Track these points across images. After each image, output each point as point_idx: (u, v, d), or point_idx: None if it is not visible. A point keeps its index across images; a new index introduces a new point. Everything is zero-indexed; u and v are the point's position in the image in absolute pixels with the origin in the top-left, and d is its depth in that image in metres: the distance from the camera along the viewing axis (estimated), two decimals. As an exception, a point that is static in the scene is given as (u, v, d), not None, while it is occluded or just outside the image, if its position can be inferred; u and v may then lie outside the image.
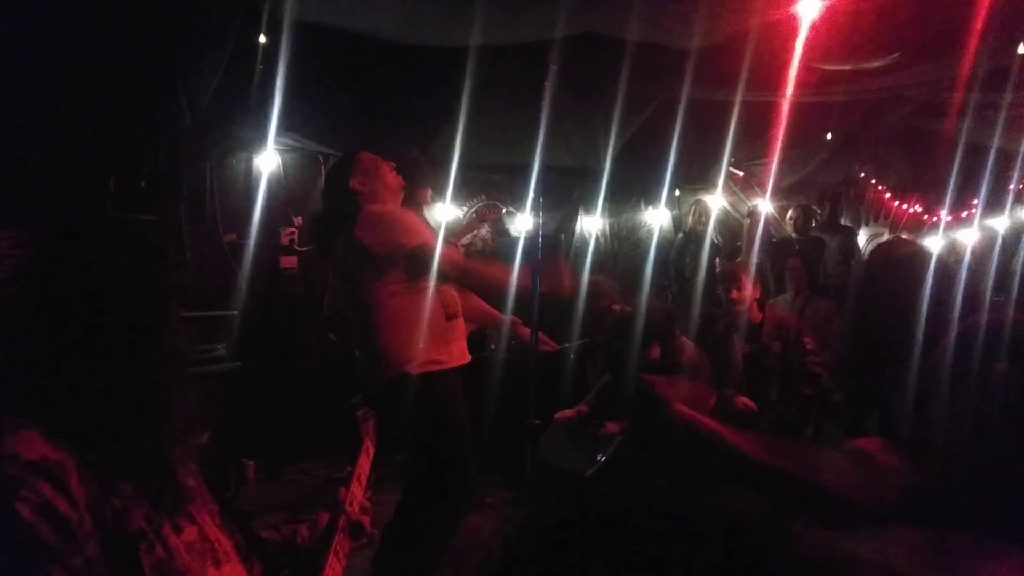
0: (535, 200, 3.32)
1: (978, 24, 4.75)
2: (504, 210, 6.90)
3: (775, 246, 7.48)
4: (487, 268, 3.69)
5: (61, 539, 1.23)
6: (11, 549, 1.23)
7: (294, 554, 1.77)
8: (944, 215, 9.34)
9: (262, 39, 4.78)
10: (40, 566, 1.22)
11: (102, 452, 1.33)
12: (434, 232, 3.51)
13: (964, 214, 9.65)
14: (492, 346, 5.61)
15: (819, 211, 8.19)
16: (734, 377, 4.76)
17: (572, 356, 5.43)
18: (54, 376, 1.34)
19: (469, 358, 3.57)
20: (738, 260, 7.32)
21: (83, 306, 1.36)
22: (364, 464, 1.99)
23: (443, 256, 3.35)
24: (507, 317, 3.92)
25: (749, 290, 4.85)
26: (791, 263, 6.08)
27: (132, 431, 1.38)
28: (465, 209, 6.92)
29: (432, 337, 3.38)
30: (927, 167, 7.94)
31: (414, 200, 4.29)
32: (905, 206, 9.54)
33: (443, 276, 3.38)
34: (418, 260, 3.34)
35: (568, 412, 4.99)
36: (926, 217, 9.85)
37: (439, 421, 3.37)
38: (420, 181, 4.18)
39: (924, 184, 8.84)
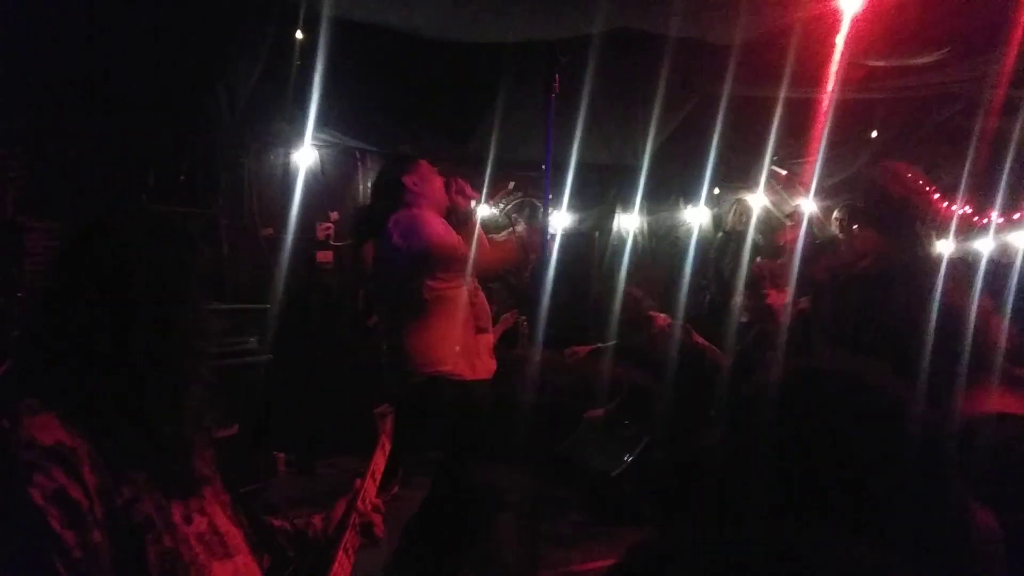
0: (547, 192, 3.33)
1: (1030, 16, 4.61)
2: (538, 207, 6.86)
3: (819, 247, 7.34)
4: (494, 255, 3.73)
5: (70, 526, 1.24)
6: (21, 534, 1.23)
7: (304, 547, 1.76)
8: (995, 217, 9.09)
9: (299, 36, 4.81)
10: (47, 552, 1.22)
11: (117, 438, 1.33)
12: (463, 237, 3.53)
13: (1016, 216, 9.38)
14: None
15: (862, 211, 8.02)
16: None
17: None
18: (74, 359, 1.35)
19: (493, 370, 3.61)
20: (778, 261, 7.19)
21: (106, 290, 1.37)
22: (379, 462, 1.98)
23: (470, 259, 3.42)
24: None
25: (784, 296, 4.63)
26: (823, 262, 5.93)
27: (149, 417, 1.38)
28: (501, 206, 6.89)
29: (460, 346, 3.42)
30: (977, 167, 7.72)
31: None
32: (954, 207, 9.29)
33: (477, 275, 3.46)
34: (446, 263, 3.40)
35: (597, 412, 4.96)
36: (976, 219, 9.60)
37: (458, 430, 3.40)
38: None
39: (974, 184, 8.61)
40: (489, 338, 3.64)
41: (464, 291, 3.44)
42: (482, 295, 3.63)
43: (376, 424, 2.07)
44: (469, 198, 3.77)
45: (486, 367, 3.54)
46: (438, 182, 3.65)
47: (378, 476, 1.93)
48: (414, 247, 3.39)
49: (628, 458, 4.42)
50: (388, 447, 2.04)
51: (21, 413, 1.28)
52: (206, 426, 1.49)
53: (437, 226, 3.45)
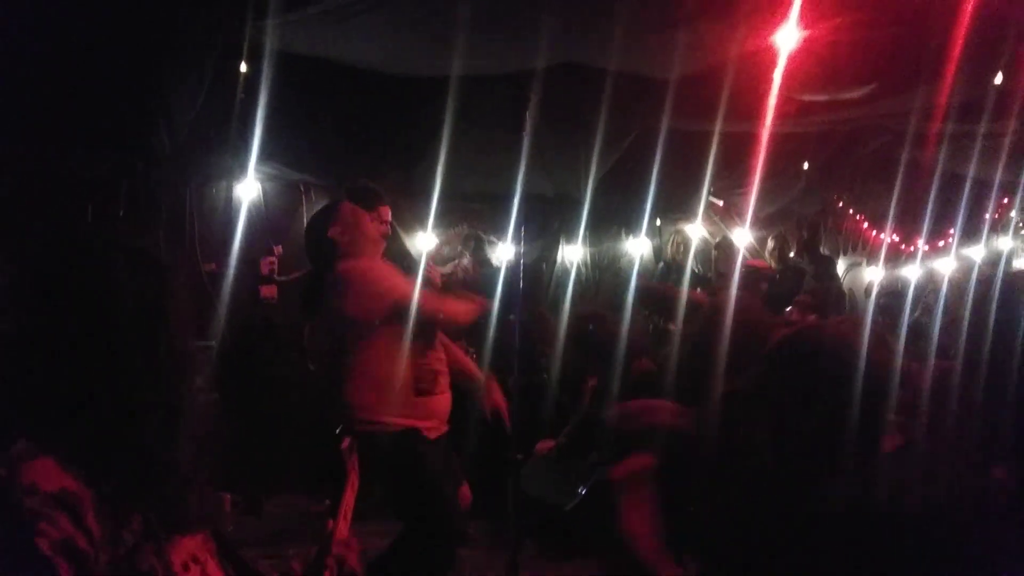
0: (516, 229, 3.31)
1: (954, 55, 4.81)
2: (484, 239, 6.88)
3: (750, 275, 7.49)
4: (461, 307, 3.66)
5: None
6: None
7: None
8: (921, 244, 9.42)
9: (243, 67, 4.76)
10: None
11: (116, 480, 1.28)
12: (409, 282, 3.49)
13: (941, 243, 9.73)
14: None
15: (798, 240, 8.24)
16: None
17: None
18: (65, 400, 1.28)
19: (443, 431, 3.55)
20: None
21: (87, 323, 1.32)
22: (349, 499, 1.95)
23: (420, 306, 3.35)
24: (483, 378, 3.92)
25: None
26: (800, 299, 6.07)
27: (146, 456, 1.32)
28: (443, 239, 6.90)
29: (399, 403, 3.37)
30: (904, 196, 8.01)
31: (379, 218, 4.35)
32: (883, 235, 9.60)
33: (422, 325, 3.38)
34: (393, 317, 3.34)
35: (548, 444, 4.95)
36: (904, 246, 9.93)
37: (399, 481, 3.39)
38: (376, 203, 4.23)
39: (901, 213, 8.92)
40: (437, 401, 3.54)
41: (402, 350, 3.37)
42: (435, 357, 3.55)
43: (343, 460, 2.03)
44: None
45: (433, 427, 3.49)
46: (365, 219, 3.61)
47: (349, 515, 1.89)
48: (349, 307, 3.37)
49: (582, 491, 4.40)
50: (356, 484, 2.00)
51: (18, 458, 1.22)
52: (194, 462, 1.44)
53: (370, 282, 3.39)
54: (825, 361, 1.73)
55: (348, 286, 3.38)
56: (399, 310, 3.33)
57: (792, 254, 7.97)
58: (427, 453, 3.41)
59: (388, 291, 3.40)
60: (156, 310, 1.39)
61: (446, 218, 6.83)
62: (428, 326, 3.49)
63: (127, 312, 1.35)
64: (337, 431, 3.22)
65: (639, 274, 7.62)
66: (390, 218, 5.03)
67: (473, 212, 7.02)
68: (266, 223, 5.92)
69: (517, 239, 3.08)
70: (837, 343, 1.76)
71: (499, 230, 6.97)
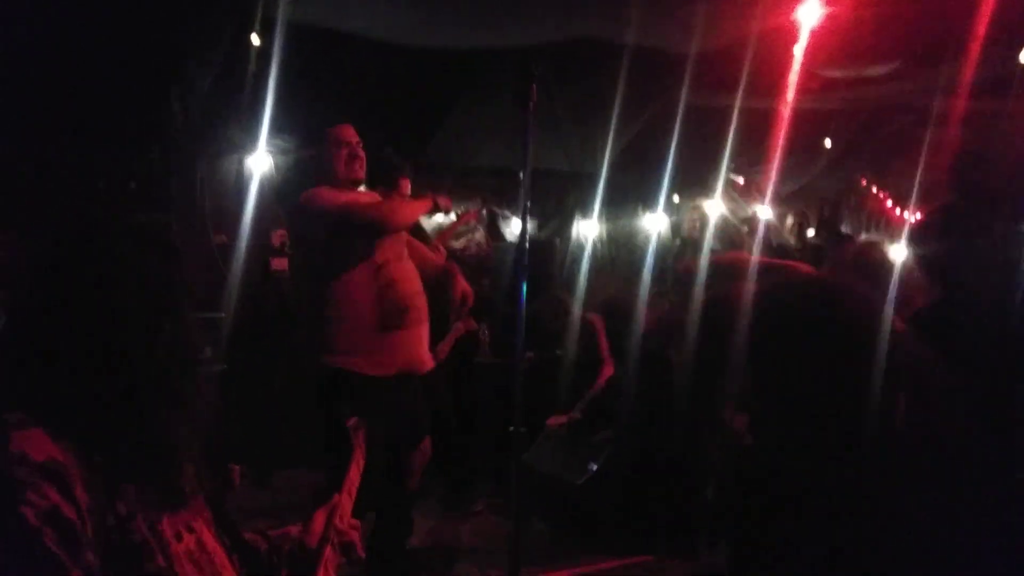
0: (526, 205, 3.23)
1: (979, 31, 4.71)
2: (487, 212, 6.85)
3: (775, 253, 7.42)
4: (402, 208, 3.59)
5: (64, 547, 1.18)
6: (15, 556, 1.17)
7: (279, 566, 1.71)
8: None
9: (255, 41, 4.73)
10: (43, 574, 1.16)
11: (107, 453, 1.29)
12: (349, 197, 3.39)
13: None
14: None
15: (819, 218, 8.15)
16: None
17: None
18: (62, 372, 1.29)
19: (398, 370, 3.38)
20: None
21: (94, 301, 1.32)
22: (355, 476, 1.94)
23: (367, 208, 3.32)
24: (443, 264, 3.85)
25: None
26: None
27: (140, 430, 1.33)
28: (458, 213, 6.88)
29: (360, 336, 3.27)
30: (928, 174, 7.88)
31: (398, 193, 4.42)
32: (906, 214, 9.47)
33: (374, 230, 3.29)
34: (344, 225, 3.23)
35: (560, 419, 4.94)
36: (927, 225, 9.79)
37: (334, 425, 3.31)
38: (397, 174, 4.23)
39: (924, 192, 8.78)
40: (403, 336, 3.36)
41: (360, 277, 3.27)
42: (401, 292, 3.39)
43: (349, 437, 2.02)
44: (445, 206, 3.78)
45: (392, 363, 3.33)
46: (339, 154, 3.50)
47: (354, 491, 1.89)
48: (300, 227, 3.41)
49: (593, 466, 4.40)
50: (363, 461, 2.00)
51: (8, 427, 1.22)
52: (191, 438, 1.44)
53: (311, 197, 3.28)
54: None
55: (298, 209, 3.32)
56: (335, 219, 3.23)
57: (811, 232, 7.88)
58: (362, 392, 3.26)
59: (326, 195, 3.30)
60: (156, 286, 1.39)
61: (460, 193, 6.80)
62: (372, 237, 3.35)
63: (126, 288, 1.35)
64: (345, 409, 3.19)
65: (677, 258, 7.50)
66: (409, 191, 5.01)
67: (488, 187, 6.98)
68: (277, 196, 5.90)
69: (525, 215, 2.99)
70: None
71: (514, 205, 6.93)
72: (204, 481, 1.49)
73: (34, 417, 1.25)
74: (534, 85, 2.78)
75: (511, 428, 2.91)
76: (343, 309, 3.28)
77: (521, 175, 2.80)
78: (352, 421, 2.04)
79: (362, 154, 3.54)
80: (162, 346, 1.36)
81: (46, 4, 4.18)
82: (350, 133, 3.58)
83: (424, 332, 3.48)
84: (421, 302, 3.44)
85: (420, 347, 3.47)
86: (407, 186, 4.71)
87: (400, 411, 3.41)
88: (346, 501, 1.83)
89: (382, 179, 4.05)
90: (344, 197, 3.33)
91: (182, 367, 1.40)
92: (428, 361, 3.52)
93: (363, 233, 3.30)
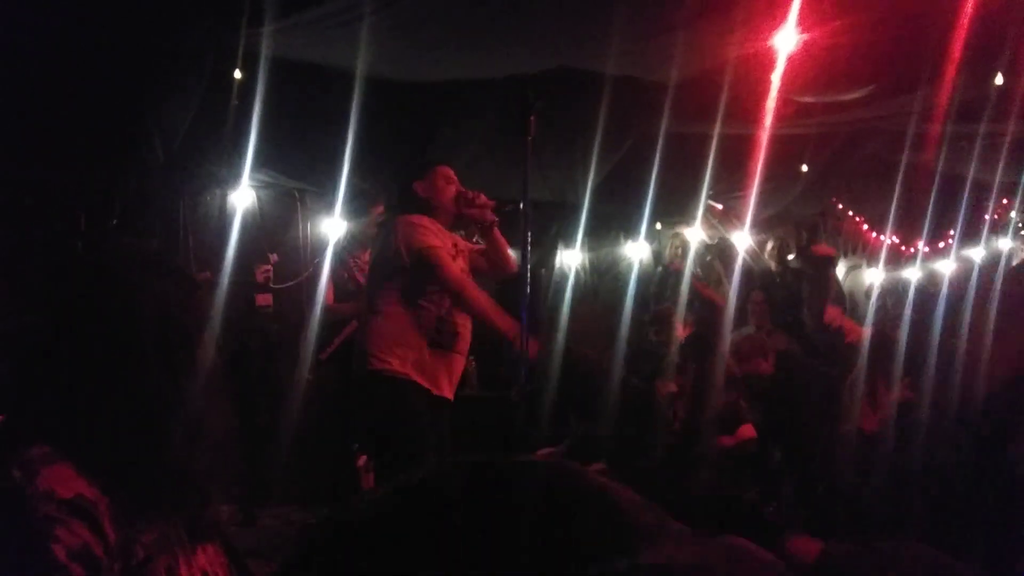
0: (527, 235, 3.33)
1: (954, 55, 4.79)
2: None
3: (756, 278, 7.47)
4: (480, 296, 3.68)
5: None
6: None
7: None
8: (921, 246, 9.39)
9: (237, 75, 4.72)
10: None
11: (132, 488, 1.26)
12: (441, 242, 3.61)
13: (941, 244, 9.71)
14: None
15: (797, 243, 8.21)
16: None
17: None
18: (84, 404, 1.27)
19: (445, 394, 3.59)
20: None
21: (113, 330, 1.31)
22: None
23: (446, 266, 3.50)
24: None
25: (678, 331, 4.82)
26: (753, 296, 6.08)
27: (163, 462, 1.31)
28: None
29: (409, 351, 3.47)
30: (903, 198, 7.98)
31: (373, 219, 4.90)
32: (882, 237, 9.57)
33: (442, 285, 3.50)
34: (423, 262, 3.46)
35: (548, 450, 4.91)
36: (903, 248, 9.90)
37: (392, 430, 3.47)
38: (370, 202, 4.75)
39: (900, 215, 8.90)
40: (451, 360, 3.61)
41: (428, 302, 3.51)
42: (458, 322, 3.60)
43: (359, 477, 2.00)
44: (483, 207, 3.80)
45: (435, 382, 3.56)
46: (449, 191, 3.73)
47: None
48: (392, 250, 3.51)
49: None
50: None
51: (35, 463, 1.19)
52: (212, 471, 1.41)
53: (423, 235, 3.50)
54: None
55: (402, 230, 3.54)
56: (432, 252, 3.46)
57: (791, 256, 7.94)
58: (422, 407, 3.47)
59: (431, 229, 3.56)
60: (174, 314, 1.38)
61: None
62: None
63: (146, 316, 1.34)
64: (353, 448, 3.25)
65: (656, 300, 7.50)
66: (383, 216, 5.08)
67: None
68: (261, 231, 5.87)
69: (525, 245, 3.07)
70: None
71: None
72: (218, 519, 1.46)
73: (58, 451, 1.22)
74: (533, 116, 2.82)
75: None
76: (400, 322, 3.50)
77: (521, 205, 2.83)
78: (361, 461, 2.01)
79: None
80: (182, 375, 1.34)
81: (29, 41, 4.15)
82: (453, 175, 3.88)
83: (462, 362, 3.72)
84: (467, 332, 3.66)
85: (457, 374, 3.70)
86: (380, 211, 4.87)
87: (431, 430, 3.53)
88: None
89: (356, 207, 4.52)
90: (442, 249, 3.55)
91: (200, 399, 1.38)
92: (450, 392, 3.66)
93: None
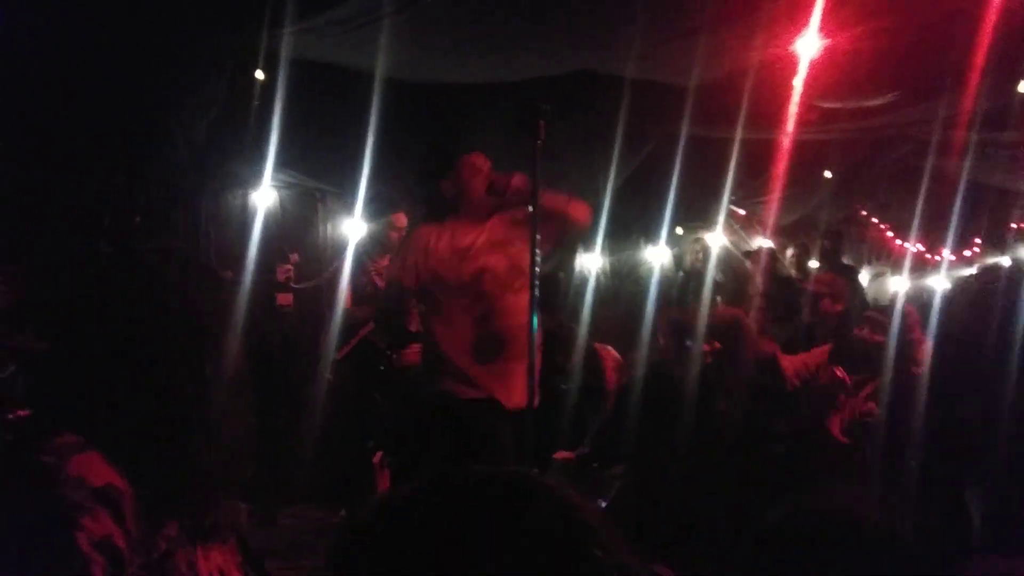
0: (535, 238, 3.21)
1: (978, 62, 4.74)
2: None
3: (775, 284, 7.42)
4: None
5: None
6: None
7: None
8: (947, 253, 9.30)
9: (259, 75, 4.76)
10: None
11: (155, 481, 1.28)
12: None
13: (967, 252, 9.61)
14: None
15: (820, 249, 8.15)
16: None
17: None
18: (111, 398, 1.29)
19: (507, 404, 3.44)
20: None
21: (143, 329, 1.33)
22: None
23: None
24: None
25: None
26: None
27: (185, 460, 1.33)
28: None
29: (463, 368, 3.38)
30: (928, 205, 7.91)
31: (393, 225, 4.93)
32: (907, 245, 9.49)
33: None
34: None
35: (567, 453, 4.89)
36: (928, 255, 9.81)
37: (449, 449, 3.35)
38: (392, 209, 4.71)
39: (925, 223, 8.81)
40: (505, 367, 3.46)
41: (452, 318, 3.43)
42: (502, 324, 3.43)
43: (375, 474, 2.01)
44: (518, 191, 3.49)
45: (489, 388, 3.43)
46: (478, 183, 3.58)
47: None
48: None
49: (602, 503, 4.34)
50: None
51: (66, 450, 1.21)
52: (229, 469, 1.43)
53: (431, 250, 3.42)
54: None
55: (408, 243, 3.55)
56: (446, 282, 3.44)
57: (813, 263, 7.88)
58: (477, 420, 3.37)
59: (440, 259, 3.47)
60: (206, 318, 1.41)
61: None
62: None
63: (178, 319, 1.36)
64: (369, 445, 3.23)
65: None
66: (404, 223, 5.09)
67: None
68: (282, 230, 5.90)
69: (534, 249, 2.98)
70: None
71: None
72: (236, 517, 1.48)
73: (89, 440, 1.24)
74: (542, 121, 2.81)
75: (556, 466, 2.92)
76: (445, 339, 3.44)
77: (530, 208, 2.82)
78: (376, 458, 2.02)
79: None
80: (205, 372, 1.36)
81: (52, 41, 4.21)
82: (484, 160, 3.68)
83: (522, 368, 3.31)
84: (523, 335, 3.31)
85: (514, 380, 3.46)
86: (402, 219, 4.82)
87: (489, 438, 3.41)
88: None
89: (375, 209, 4.18)
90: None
91: (220, 398, 1.40)
92: (519, 398, 3.40)
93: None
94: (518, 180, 3.48)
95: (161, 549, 1.26)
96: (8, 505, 1.19)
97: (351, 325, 5.09)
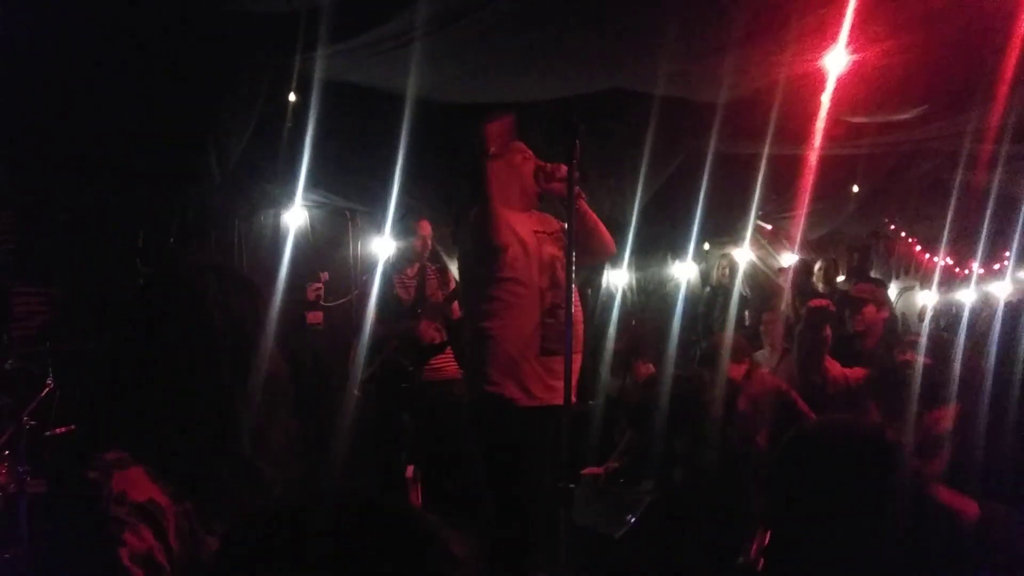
0: (571, 256, 3.13)
1: (1007, 75, 4.72)
2: None
3: (807, 298, 7.38)
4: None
5: None
6: None
7: None
8: (976, 267, 9.22)
9: (292, 97, 4.82)
10: None
11: (199, 496, 1.30)
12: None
13: (996, 266, 9.52)
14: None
15: (848, 264, 8.12)
16: None
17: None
18: (160, 414, 1.31)
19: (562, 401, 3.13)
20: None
21: (190, 343, 1.35)
22: None
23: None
24: None
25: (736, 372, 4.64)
26: (766, 317, 5.88)
27: (231, 472, 1.34)
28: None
29: (517, 367, 3.18)
30: (957, 219, 7.85)
31: (416, 234, 4.86)
32: (936, 259, 9.42)
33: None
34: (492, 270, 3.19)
35: (596, 469, 4.89)
36: (957, 270, 9.73)
37: (491, 458, 3.22)
38: (415, 217, 4.64)
39: (955, 236, 8.75)
40: (559, 361, 3.11)
41: (524, 306, 3.19)
42: (563, 314, 3.08)
43: (407, 489, 2.02)
44: (563, 180, 3.28)
45: (547, 393, 3.20)
46: (526, 168, 3.41)
47: None
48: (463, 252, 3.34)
49: (631, 519, 4.33)
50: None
51: (111, 466, 1.23)
52: (274, 483, 1.44)
53: (488, 229, 3.17)
54: None
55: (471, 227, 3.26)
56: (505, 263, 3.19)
57: (841, 278, 7.84)
58: (531, 428, 3.16)
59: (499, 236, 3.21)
60: (250, 331, 1.41)
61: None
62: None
63: (224, 332, 1.37)
64: (402, 458, 3.17)
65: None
66: (429, 231, 5.09)
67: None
68: (312, 249, 5.96)
69: (570, 267, 2.93)
70: None
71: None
72: None
73: (134, 456, 1.26)
74: (577, 140, 2.79)
75: (559, 483, 2.88)
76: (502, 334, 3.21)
77: (566, 226, 2.82)
78: (409, 472, 2.04)
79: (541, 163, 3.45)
80: (250, 383, 1.38)
81: (91, 66, 4.29)
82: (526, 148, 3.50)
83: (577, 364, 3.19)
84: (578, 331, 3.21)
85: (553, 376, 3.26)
86: (427, 227, 4.83)
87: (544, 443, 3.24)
88: None
89: (404, 227, 4.54)
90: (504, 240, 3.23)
91: (273, 404, 1.41)
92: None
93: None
94: (566, 171, 3.20)
95: (203, 565, 1.27)
96: (54, 521, 1.22)
97: (376, 342, 5.10)
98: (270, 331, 1.46)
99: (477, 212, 3.25)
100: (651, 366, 5.75)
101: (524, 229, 3.33)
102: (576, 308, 3.20)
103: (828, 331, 4.41)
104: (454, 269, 5.42)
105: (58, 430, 3.82)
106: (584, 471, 4.93)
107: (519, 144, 3.50)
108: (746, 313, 7.35)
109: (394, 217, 5.42)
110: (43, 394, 3.84)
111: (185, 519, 1.27)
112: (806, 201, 6.87)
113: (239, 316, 1.40)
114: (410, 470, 1.94)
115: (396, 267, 5.45)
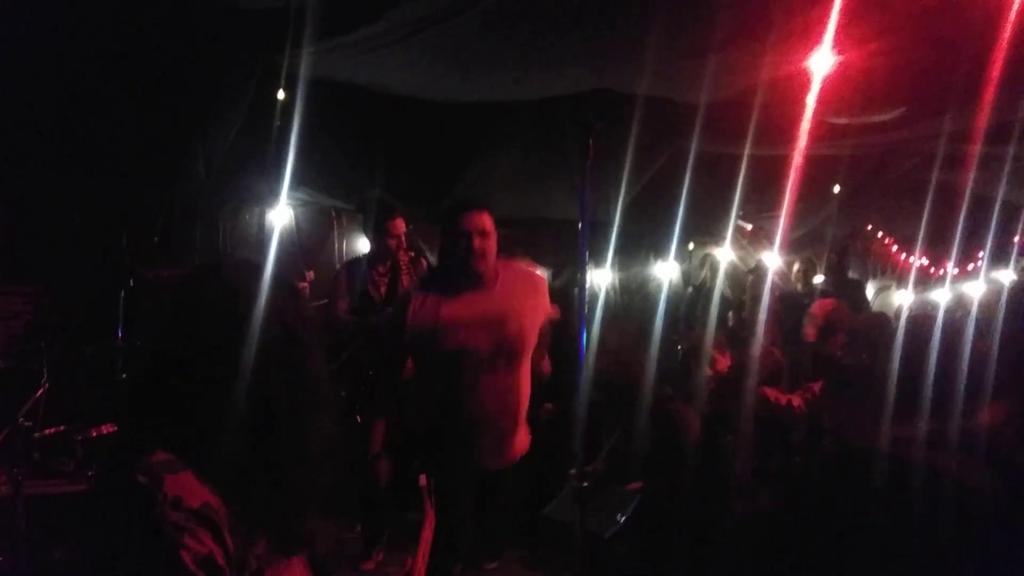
0: (584, 256, 3.17)
1: (986, 79, 4.79)
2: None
3: (783, 300, 7.45)
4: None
5: None
6: None
7: None
8: (951, 268, 9.34)
9: (279, 95, 4.80)
10: None
11: (246, 497, 1.29)
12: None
13: (970, 267, 9.65)
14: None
15: (826, 264, 8.19)
16: None
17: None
18: (205, 417, 1.29)
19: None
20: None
21: (236, 344, 1.32)
22: (428, 537, 1.93)
23: None
24: None
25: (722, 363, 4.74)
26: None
27: (276, 474, 1.33)
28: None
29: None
30: (933, 220, 7.95)
31: (390, 233, 4.77)
32: (912, 259, 9.54)
33: None
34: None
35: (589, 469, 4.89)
36: (932, 270, 9.85)
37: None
38: (389, 216, 4.55)
39: (930, 237, 8.85)
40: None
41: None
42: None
43: (421, 498, 2.01)
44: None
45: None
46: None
47: (427, 552, 1.88)
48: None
49: (621, 518, 4.33)
50: (433, 522, 1.98)
51: (159, 469, 1.22)
52: (314, 483, 1.42)
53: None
54: None
55: None
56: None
57: (818, 278, 7.92)
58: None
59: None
60: (294, 330, 1.40)
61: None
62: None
63: (270, 332, 1.35)
64: (415, 466, 3.20)
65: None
66: (403, 230, 5.03)
67: (504, 237, 7.00)
68: (298, 248, 5.93)
69: (583, 266, 2.95)
70: None
71: (533, 255, 6.95)
72: (312, 530, 1.47)
73: (182, 459, 1.25)
74: (592, 139, 2.78)
75: (574, 483, 2.88)
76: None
77: (579, 225, 2.82)
78: (423, 482, 2.04)
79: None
80: (294, 385, 1.36)
81: (76, 63, 4.25)
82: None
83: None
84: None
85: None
86: (400, 226, 4.79)
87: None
88: (420, 564, 1.82)
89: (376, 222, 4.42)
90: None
91: (308, 408, 1.40)
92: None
93: None
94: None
95: (252, 568, 1.28)
96: (110, 526, 1.21)
97: (343, 337, 5.00)
98: (315, 331, 1.45)
99: None
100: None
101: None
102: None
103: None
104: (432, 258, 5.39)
105: (104, 429, 3.80)
106: (572, 471, 4.92)
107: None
108: (729, 314, 7.41)
109: (366, 216, 5.34)
110: (38, 394, 3.80)
111: (235, 520, 1.26)
112: (787, 201, 6.92)
113: (284, 313, 1.39)
114: (423, 479, 1.94)
115: (371, 263, 5.37)
